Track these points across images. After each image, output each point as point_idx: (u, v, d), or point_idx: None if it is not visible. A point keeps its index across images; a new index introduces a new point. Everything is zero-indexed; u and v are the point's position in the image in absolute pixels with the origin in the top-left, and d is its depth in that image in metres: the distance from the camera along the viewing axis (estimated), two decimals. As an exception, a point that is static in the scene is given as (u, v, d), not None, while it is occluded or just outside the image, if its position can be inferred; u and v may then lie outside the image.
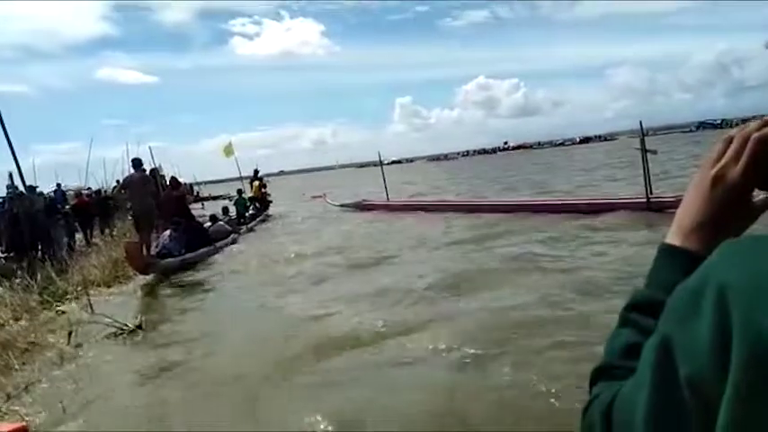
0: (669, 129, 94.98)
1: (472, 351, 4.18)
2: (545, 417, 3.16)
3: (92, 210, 14.06)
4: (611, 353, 0.55)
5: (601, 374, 0.54)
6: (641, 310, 0.54)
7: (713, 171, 0.54)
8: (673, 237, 0.57)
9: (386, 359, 4.31)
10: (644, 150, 9.93)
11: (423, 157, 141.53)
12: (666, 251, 0.56)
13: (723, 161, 0.54)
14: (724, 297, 0.39)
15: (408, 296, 5.98)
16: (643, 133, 10.49)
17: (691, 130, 79.97)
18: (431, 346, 4.39)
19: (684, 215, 0.56)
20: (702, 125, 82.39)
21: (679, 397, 0.41)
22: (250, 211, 17.27)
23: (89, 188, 17.04)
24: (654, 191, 10.00)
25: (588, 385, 0.55)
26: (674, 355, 0.41)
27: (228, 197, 26.02)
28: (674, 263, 0.54)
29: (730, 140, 0.54)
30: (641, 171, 10.09)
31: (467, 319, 4.98)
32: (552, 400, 3.31)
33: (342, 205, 18.49)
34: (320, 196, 22.69)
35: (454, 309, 5.40)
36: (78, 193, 14.84)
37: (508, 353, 4.08)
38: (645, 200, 9.79)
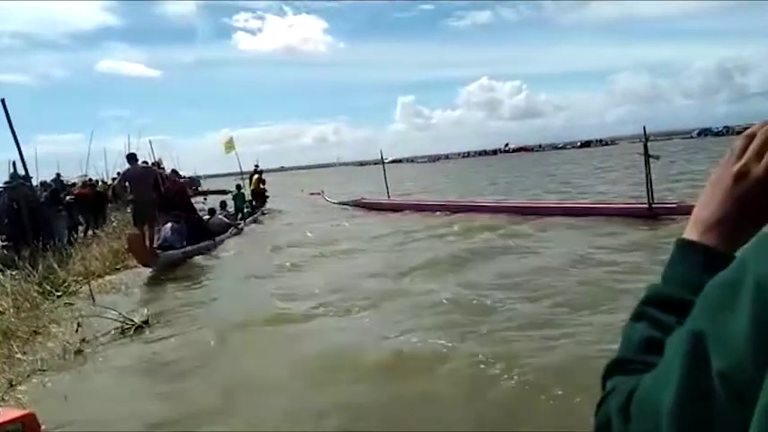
0: (670, 135, 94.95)
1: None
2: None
3: (89, 201, 13.98)
4: (627, 347, 0.54)
5: (615, 369, 0.53)
6: (658, 306, 0.54)
7: (735, 167, 0.53)
8: (690, 232, 0.56)
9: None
10: (647, 156, 9.92)
11: (423, 157, 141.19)
12: (684, 246, 0.55)
13: (745, 158, 0.53)
14: (763, 290, 0.38)
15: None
16: (646, 138, 10.51)
17: (692, 137, 80.00)
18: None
19: (703, 211, 0.55)
20: (704, 132, 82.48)
21: (710, 391, 0.40)
22: (247, 208, 17.19)
23: (86, 175, 16.94)
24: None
25: (601, 380, 0.54)
26: (706, 349, 0.41)
27: (227, 192, 25.96)
28: (692, 258, 0.54)
29: (752, 137, 0.53)
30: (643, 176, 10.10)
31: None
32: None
33: (339, 203, 18.46)
34: (318, 193, 22.69)
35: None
36: (84, 184, 14.77)
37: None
38: (647, 206, 9.77)
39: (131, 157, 10.59)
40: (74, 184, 14.85)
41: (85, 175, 16.78)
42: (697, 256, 0.54)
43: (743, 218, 0.53)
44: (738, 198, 0.53)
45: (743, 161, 0.53)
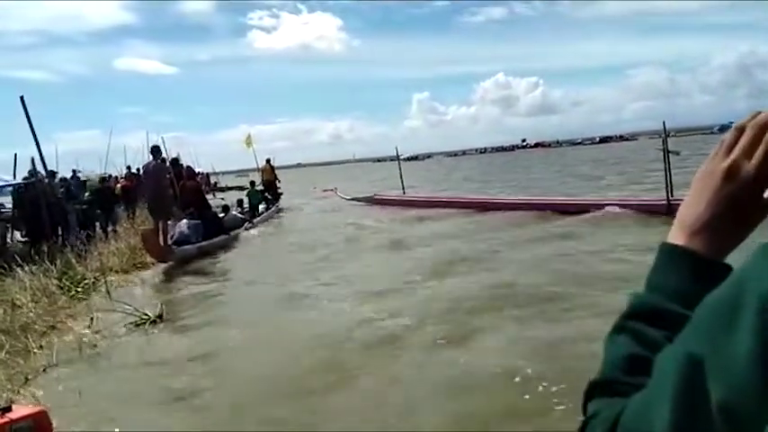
0: (691, 130, 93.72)
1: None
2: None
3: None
4: (610, 366, 0.49)
5: (597, 390, 0.49)
6: (642, 318, 0.49)
7: (724, 164, 0.48)
8: (675, 236, 0.50)
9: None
10: (666, 151, 9.78)
11: (439, 153, 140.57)
12: (669, 252, 0.50)
13: (735, 153, 0.48)
14: (767, 310, 0.34)
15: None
16: (666, 134, 10.36)
17: (713, 132, 78.88)
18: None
19: (690, 211, 0.50)
20: (725, 128, 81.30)
21: (708, 422, 0.35)
22: (262, 205, 17.31)
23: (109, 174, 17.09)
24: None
25: (582, 402, 0.49)
26: (703, 377, 0.36)
27: (244, 188, 26.13)
28: (679, 266, 0.49)
29: (742, 130, 0.48)
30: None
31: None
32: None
33: (353, 199, 18.60)
34: (331, 190, 22.92)
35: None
36: (103, 179, 14.88)
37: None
38: (665, 202, 9.60)
39: (155, 150, 10.69)
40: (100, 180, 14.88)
41: (107, 173, 16.96)
42: (684, 263, 0.49)
43: (732, 220, 0.48)
44: (727, 198, 0.48)
45: (733, 156, 0.48)
